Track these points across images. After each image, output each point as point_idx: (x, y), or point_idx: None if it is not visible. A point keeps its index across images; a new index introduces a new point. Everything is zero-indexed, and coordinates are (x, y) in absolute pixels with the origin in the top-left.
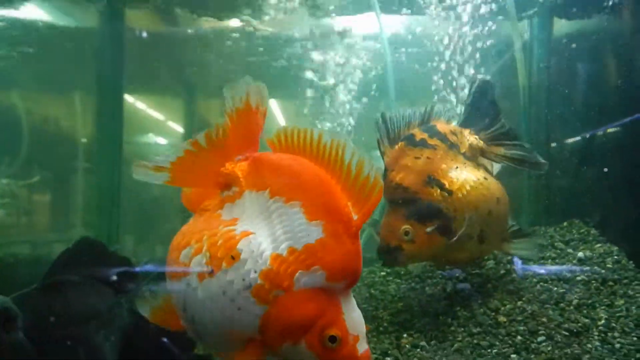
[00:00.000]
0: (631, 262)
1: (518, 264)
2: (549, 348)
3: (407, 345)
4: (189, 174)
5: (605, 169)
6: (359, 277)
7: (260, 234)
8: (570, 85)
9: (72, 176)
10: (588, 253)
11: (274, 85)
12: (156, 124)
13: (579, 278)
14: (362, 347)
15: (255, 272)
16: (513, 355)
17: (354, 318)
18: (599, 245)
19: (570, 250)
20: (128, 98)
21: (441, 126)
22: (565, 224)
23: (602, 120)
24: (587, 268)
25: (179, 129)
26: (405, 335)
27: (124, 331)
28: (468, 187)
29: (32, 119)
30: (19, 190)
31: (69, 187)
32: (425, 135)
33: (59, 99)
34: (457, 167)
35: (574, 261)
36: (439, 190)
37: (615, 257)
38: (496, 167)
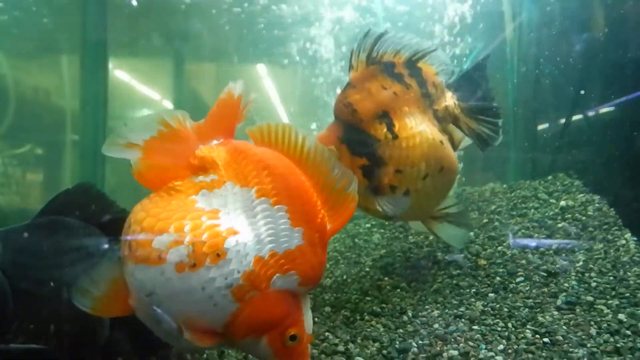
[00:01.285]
0: (612, 209)
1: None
2: (527, 288)
3: (387, 287)
4: (162, 153)
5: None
6: (317, 283)
7: (245, 234)
8: (560, 41)
9: (62, 147)
10: (570, 202)
11: (267, 54)
12: (144, 97)
13: (559, 225)
14: (309, 346)
15: (239, 272)
16: (491, 294)
17: (309, 319)
18: (581, 195)
19: (553, 201)
20: (118, 70)
21: (427, 72)
22: (550, 177)
23: (590, 76)
24: (568, 215)
25: (167, 103)
26: (386, 278)
27: None
28: (417, 141)
29: (19, 87)
30: (8, 162)
31: (57, 158)
32: (405, 72)
33: (43, 66)
34: (418, 117)
35: (556, 210)
36: (385, 129)
37: (597, 205)
38: (466, 143)
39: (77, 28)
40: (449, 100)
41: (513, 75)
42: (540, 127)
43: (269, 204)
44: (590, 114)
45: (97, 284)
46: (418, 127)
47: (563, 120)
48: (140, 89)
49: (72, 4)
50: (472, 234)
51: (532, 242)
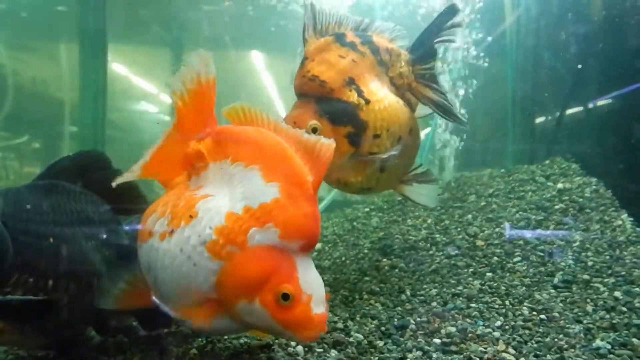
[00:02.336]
0: (609, 191)
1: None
2: (524, 267)
3: (385, 267)
4: (159, 168)
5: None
6: (316, 240)
7: (220, 196)
8: (559, 23)
9: (60, 138)
10: (567, 185)
11: (265, 41)
12: (142, 89)
13: (557, 207)
14: (318, 309)
15: (210, 228)
16: (489, 274)
17: (310, 279)
18: (578, 177)
19: (550, 184)
20: (117, 59)
21: (378, 40)
22: (547, 161)
23: (589, 58)
24: (566, 197)
25: (165, 98)
26: (384, 259)
27: (123, 251)
28: (386, 103)
29: (17, 77)
30: (6, 154)
31: (55, 149)
32: (357, 40)
33: (42, 56)
34: (378, 83)
35: (554, 192)
36: (356, 95)
37: (594, 187)
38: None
39: (75, 18)
40: (404, 66)
41: (512, 65)
42: (539, 116)
43: (242, 167)
44: (588, 104)
45: (117, 281)
46: (382, 92)
47: (560, 111)
48: (139, 79)
49: None
50: (470, 216)
51: (530, 224)
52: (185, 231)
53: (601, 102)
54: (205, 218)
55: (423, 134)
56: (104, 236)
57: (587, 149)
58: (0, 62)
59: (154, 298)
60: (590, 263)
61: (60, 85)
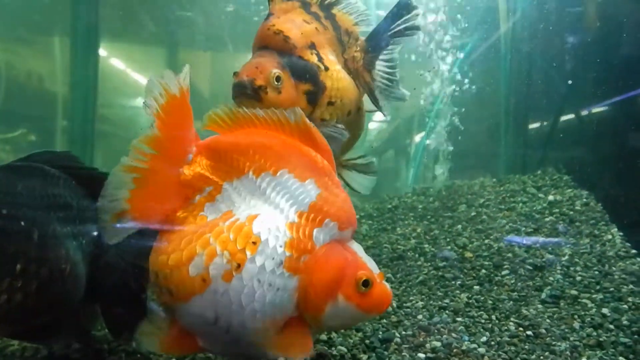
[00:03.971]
0: (599, 204)
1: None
2: (512, 281)
3: None
4: (149, 200)
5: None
6: (356, 222)
7: (266, 212)
8: (553, 32)
9: (53, 133)
10: (558, 197)
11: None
12: (136, 83)
13: (547, 219)
14: (387, 284)
15: (281, 246)
16: (476, 287)
17: (368, 259)
18: (569, 190)
19: (541, 195)
20: (110, 55)
21: (341, 19)
22: (539, 172)
23: (583, 69)
24: (556, 210)
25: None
26: None
27: (100, 244)
28: (342, 75)
29: (10, 71)
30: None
31: (48, 145)
32: (320, 13)
33: (35, 50)
34: (335, 57)
35: (544, 204)
36: (316, 59)
37: (585, 200)
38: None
39: (68, 12)
40: (357, 51)
41: (506, 71)
42: (532, 123)
43: (270, 175)
44: (582, 112)
45: (160, 325)
46: (339, 66)
47: (553, 118)
48: (132, 75)
49: None
50: (459, 226)
51: (520, 236)
52: (256, 259)
53: (593, 112)
54: (271, 238)
55: (418, 137)
56: (81, 223)
57: (579, 160)
58: None
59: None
60: (578, 278)
61: (53, 80)
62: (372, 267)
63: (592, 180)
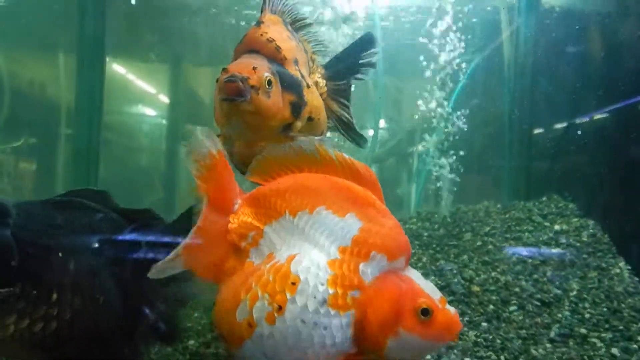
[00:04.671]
0: (606, 235)
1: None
2: (520, 317)
3: None
4: (202, 253)
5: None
6: (410, 248)
7: (306, 251)
8: (558, 56)
9: (56, 142)
10: (564, 226)
11: None
12: (141, 94)
13: (554, 251)
14: (451, 308)
15: (322, 284)
16: (484, 324)
17: (427, 285)
18: (575, 219)
19: (547, 224)
20: (116, 68)
21: (306, 45)
22: (544, 198)
23: (588, 95)
24: (563, 241)
25: (164, 99)
26: None
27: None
28: (317, 96)
29: (15, 81)
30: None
31: (52, 153)
32: (295, 33)
33: (40, 61)
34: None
35: (550, 234)
36: (299, 75)
37: (591, 230)
38: None
39: (75, 24)
40: (319, 77)
41: (510, 91)
42: (536, 148)
43: (307, 214)
44: (587, 138)
45: None
46: (314, 89)
47: (557, 144)
48: (136, 86)
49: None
50: (465, 256)
51: (527, 268)
52: (297, 300)
53: (599, 139)
54: (311, 277)
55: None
56: (119, 255)
57: (584, 190)
58: None
59: None
60: (587, 315)
61: (58, 91)
62: (431, 292)
63: (597, 212)
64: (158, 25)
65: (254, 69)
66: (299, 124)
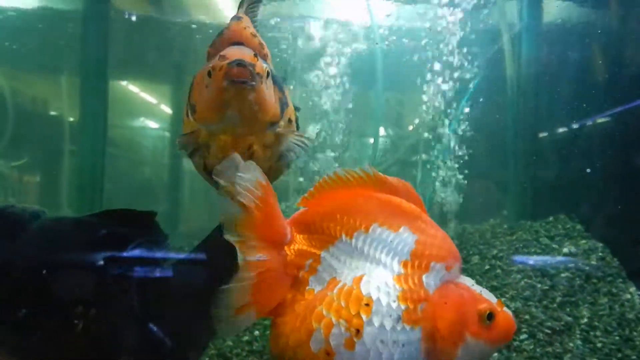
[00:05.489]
0: (615, 258)
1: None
2: (531, 346)
3: None
4: (265, 288)
5: (589, 170)
6: (460, 256)
7: (370, 270)
8: (560, 75)
9: (59, 158)
10: (573, 249)
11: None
12: (144, 107)
13: (563, 275)
14: (507, 309)
15: (394, 301)
16: (495, 354)
17: (482, 289)
18: (583, 241)
19: (555, 246)
20: (116, 82)
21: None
22: (551, 218)
23: (591, 112)
24: (572, 265)
25: (167, 110)
26: None
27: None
28: (290, 99)
29: (19, 100)
30: (9, 172)
31: (55, 169)
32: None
33: (45, 80)
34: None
35: (559, 258)
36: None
37: (600, 253)
38: None
39: (78, 40)
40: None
41: (513, 107)
42: (540, 170)
43: (363, 233)
44: (593, 160)
45: None
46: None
47: (561, 164)
48: (139, 99)
49: (73, 18)
50: (474, 281)
51: (536, 294)
52: (374, 321)
53: (606, 160)
54: (382, 296)
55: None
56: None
57: (590, 211)
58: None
59: None
60: (599, 344)
61: (61, 107)
62: (488, 297)
63: (605, 234)
64: (159, 39)
65: (255, 56)
66: (282, 123)
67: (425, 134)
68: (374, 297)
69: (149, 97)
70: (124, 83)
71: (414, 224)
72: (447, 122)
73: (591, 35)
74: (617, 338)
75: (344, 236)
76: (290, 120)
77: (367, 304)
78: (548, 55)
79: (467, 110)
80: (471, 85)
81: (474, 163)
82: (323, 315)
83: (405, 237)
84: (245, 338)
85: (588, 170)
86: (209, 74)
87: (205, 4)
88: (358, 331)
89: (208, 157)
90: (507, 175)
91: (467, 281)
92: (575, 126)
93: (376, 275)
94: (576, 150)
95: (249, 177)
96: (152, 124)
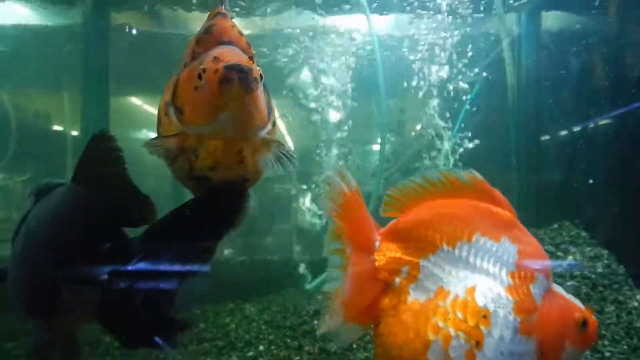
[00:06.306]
0: (621, 266)
1: None
2: None
3: None
4: (357, 296)
5: (591, 181)
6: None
7: (480, 281)
8: (559, 80)
9: (63, 172)
10: (578, 257)
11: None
12: (147, 120)
13: (569, 283)
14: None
15: (510, 313)
16: None
17: (574, 298)
18: (589, 248)
19: (560, 254)
20: (118, 95)
21: None
22: (555, 225)
23: (593, 116)
24: (577, 273)
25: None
26: None
27: None
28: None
29: (22, 115)
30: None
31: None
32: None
33: (47, 96)
34: None
35: (565, 265)
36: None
37: (606, 261)
38: None
39: (79, 54)
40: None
41: (514, 113)
42: (544, 175)
43: (465, 243)
44: (597, 166)
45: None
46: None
47: (566, 170)
48: (142, 112)
49: (74, 33)
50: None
51: None
52: (493, 333)
53: (609, 167)
54: (498, 307)
55: None
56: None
57: (595, 218)
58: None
59: None
60: (607, 354)
61: (63, 122)
62: (579, 304)
63: (611, 241)
64: (160, 51)
65: (251, 58)
66: (269, 127)
67: (427, 141)
68: (491, 309)
69: (151, 109)
70: (126, 96)
71: (512, 233)
72: (448, 128)
73: (591, 40)
74: (625, 347)
75: (445, 245)
76: (274, 124)
77: (484, 316)
78: (548, 60)
79: (468, 117)
80: (470, 94)
81: (476, 170)
82: (439, 327)
83: (507, 247)
84: (251, 354)
85: (590, 181)
86: (200, 76)
87: (203, 18)
88: (478, 343)
89: (196, 162)
90: (510, 183)
91: (559, 289)
92: (577, 131)
93: (488, 286)
94: (579, 156)
95: (335, 189)
96: (154, 135)
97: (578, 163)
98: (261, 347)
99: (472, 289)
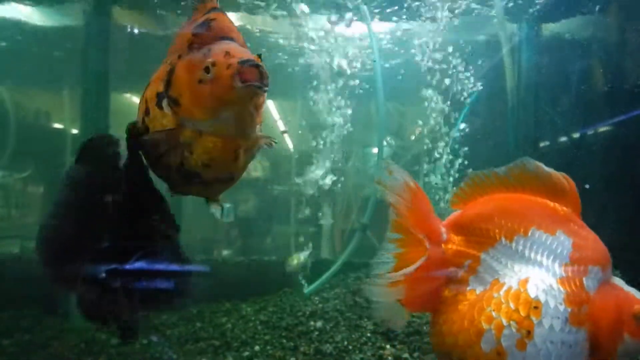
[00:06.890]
0: (617, 271)
1: None
2: None
3: (389, 357)
4: (421, 283)
5: (587, 186)
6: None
7: (533, 274)
8: (558, 86)
9: (63, 170)
10: None
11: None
12: None
13: None
14: None
15: (561, 304)
16: None
17: (634, 290)
18: None
19: None
20: (118, 94)
21: None
22: None
23: (590, 121)
24: None
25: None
26: (388, 346)
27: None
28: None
29: (22, 114)
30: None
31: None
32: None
33: (48, 94)
34: None
35: None
36: None
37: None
38: None
39: (79, 53)
40: None
41: (513, 117)
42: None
43: (522, 237)
44: (597, 174)
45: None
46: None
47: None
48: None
49: (75, 32)
50: (623, 281)
51: None
52: (543, 323)
53: (611, 175)
54: (549, 298)
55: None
56: None
57: (592, 222)
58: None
59: None
60: None
61: (63, 121)
62: (635, 292)
63: (608, 245)
64: (160, 50)
65: (259, 56)
66: (259, 125)
67: (426, 145)
68: (542, 300)
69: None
70: (126, 95)
71: (567, 227)
72: (447, 132)
73: (590, 46)
74: None
75: (503, 239)
76: (260, 122)
77: (536, 307)
78: (548, 65)
79: (467, 121)
80: (469, 98)
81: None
82: (493, 316)
83: (562, 240)
84: (246, 354)
85: (587, 186)
86: (208, 69)
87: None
88: (529, 332)
89: (190, 159)
90: None
91: (619, 281)
92: (576, 138)
93: (540, 278)
94: (577, 161)
95: (398, 184)
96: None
97: (576, 169)
98: (257, 347)
99: (525, 281)
